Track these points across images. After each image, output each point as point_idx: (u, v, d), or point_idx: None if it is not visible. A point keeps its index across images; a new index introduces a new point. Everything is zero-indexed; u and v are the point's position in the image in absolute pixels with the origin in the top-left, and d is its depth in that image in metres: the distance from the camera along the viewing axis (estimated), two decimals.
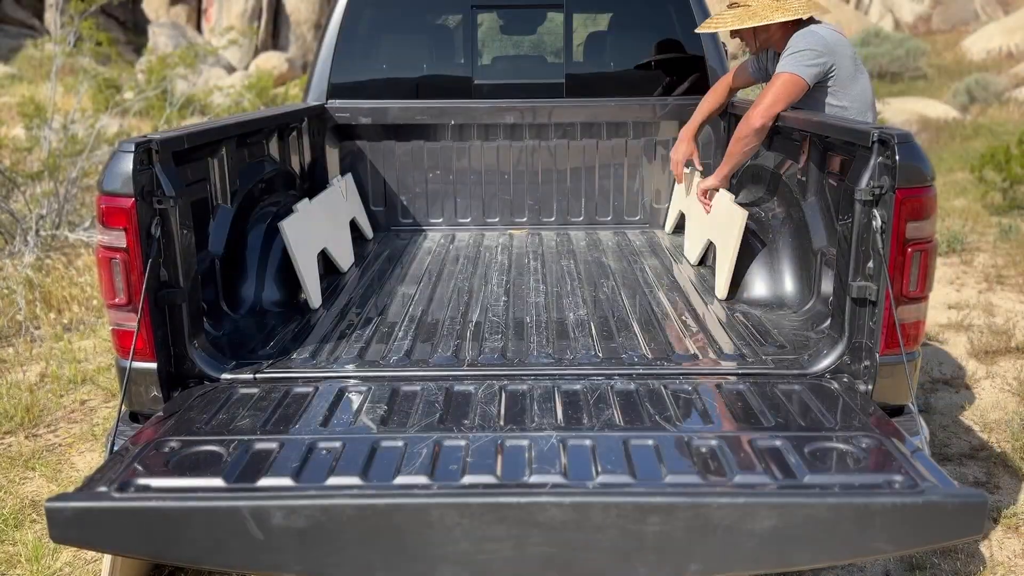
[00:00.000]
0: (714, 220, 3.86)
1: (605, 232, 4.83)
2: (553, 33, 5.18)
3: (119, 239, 2.48)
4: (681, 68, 4.79)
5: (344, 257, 4.12)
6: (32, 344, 5.37)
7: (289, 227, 3.44)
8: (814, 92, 3.54)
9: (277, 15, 23.40)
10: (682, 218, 4.57)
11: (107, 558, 2.66)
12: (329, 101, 4.71)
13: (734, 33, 3.77)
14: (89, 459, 3.95)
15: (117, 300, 2.54)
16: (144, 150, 2.49)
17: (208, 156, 3.15)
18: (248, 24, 22.18)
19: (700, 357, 2.86)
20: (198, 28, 23.37)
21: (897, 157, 2.43)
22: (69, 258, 6.94)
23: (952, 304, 5.97)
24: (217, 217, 3.23)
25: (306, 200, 3.80)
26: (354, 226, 4.53)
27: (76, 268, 6.68)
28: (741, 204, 3.74)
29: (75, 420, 4.36)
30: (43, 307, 5.95)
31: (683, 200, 4.59)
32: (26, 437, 4.15)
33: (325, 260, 3.88)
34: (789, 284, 3.39)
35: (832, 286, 2.81)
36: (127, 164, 2.45)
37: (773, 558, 1.89)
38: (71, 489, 3.57)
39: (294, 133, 4.31)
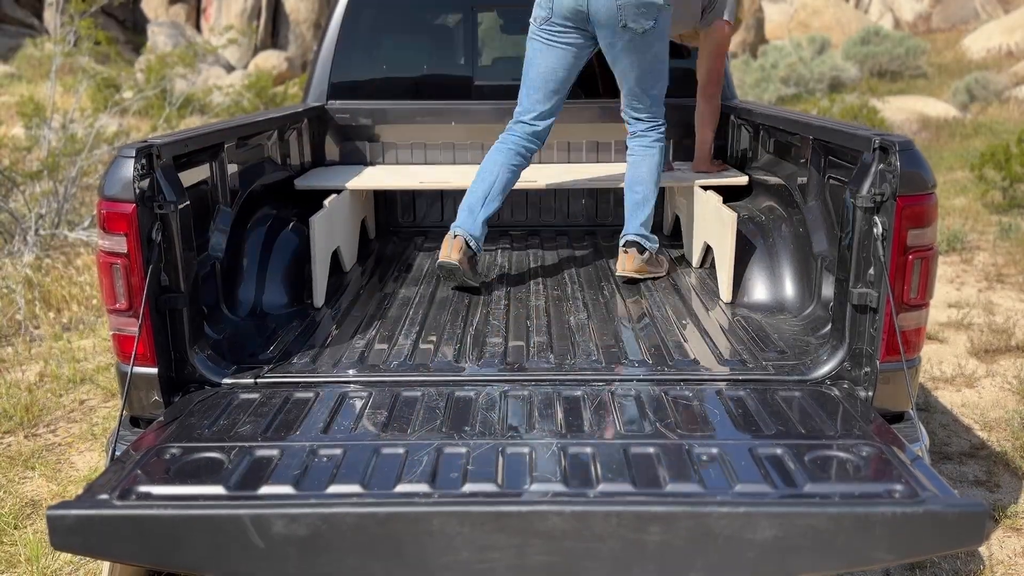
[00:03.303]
0: (707, 223, 3.87)
1: (605, 233, 4.83)
2: None
3: (120, 245, 2.48)
4: (680, 68, 4.78)
5: (349, 256, 4.14)
6: (31, 343, 5.38)
7: (317, 223, 3.47)
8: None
9: (276, 14, 23.36)
10: (677, 220, 4.57)
11: (106, 563, 2.66)
12: (329, 102, 4.71)
13: None
14: (88, 458, 3.96)
15: (118, 305, 2.54)
16: (145, 155, 2.49)
17: (209, 159, 3.15)
18: (247, 23, 22.15)
19: (700, 362, 2.86)
20: (197, 27, 23.33)
21: (898, 164, 2.43)
22: (68, 257, 6.94)
23: (952, 303, 5.98)
24: (218, 220, 3.23)
25: (334, 196, 3.86)
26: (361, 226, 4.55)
27: (75, 267, 6.69)
28: (733, 206, 3.74)
29: (74, 420, 4.37)
30: (42, 306, 5.95)
31: (676, 202, 4.59)
32: (25, 437, 4.16)
33: (332, 259, 3.89)
34: (790, 289, 3.39)
35: (833, 291, 2.81)
36: (128, 170, 2.45)
37: (773, 567, 1.89)
38: (70, 489, 3.61)
39: (294, 134, 4.31)
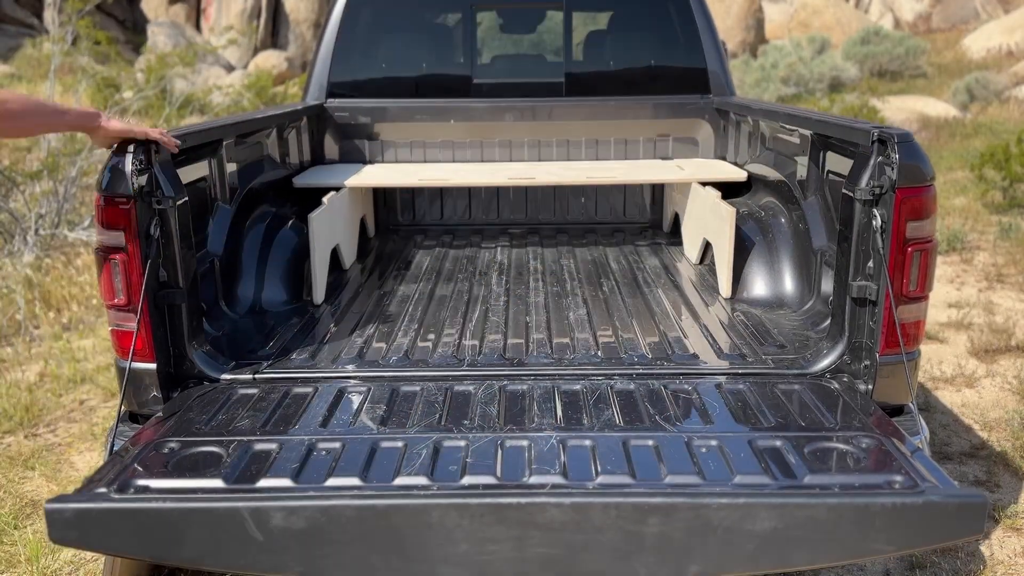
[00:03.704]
0: (706, 219, 3.87)
1: (605, 231, 4.83)
2: (553, 32, 5.18)
3: (118, 239, 2.48)
4: (680, 66, 4.79)
5: (349, 254, 4.14)
6: (31, 343, 5.37)
7: (316, 220, 3.48)
8: None
9: (276, 14, 23.36)
10: (676, 217, 4.57)
11: (106, 558, 2.66)
12: (328, 100, 4.71)
13: None
14: (88, 458, 3.95)
15: (116, 301, 2.53)
16: (143, 150, 2.49)
17: (208, 156, 3.15)
18: (247, 23, 22.14)
19: (700, 357, 2.86)
20: (197, 27, 23.34)
21: (897, 157, 2.43)
22: (68, 257, 6.94)
23: (952, 303, 5.97)
24: (217, 217, 3.23)
25: (333, 193, 3.88)
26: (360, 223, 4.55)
27: (75, 267, 6.68)
28: (732, 202, 3.74)
29: (74, 420, 4.36)
30: (42, 306, 5.95)
31: (675, 199, 4.59)
32: (25, 437, 4.15)
33: (331, 256, 3.90)
34: (789, 283, 3.39)
35: (832, 285, 2.81)
36: (126, 164, 2.45)
37: (773, 559, 1.89)
38: (70, 489, 3.60)
39: (293, 132, 4.31)
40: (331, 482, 2.01)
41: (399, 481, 2.02)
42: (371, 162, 4.80)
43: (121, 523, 1.91)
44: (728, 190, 4.08)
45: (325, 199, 3.78)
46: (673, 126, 4.78)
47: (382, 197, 4.93)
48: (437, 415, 2.40)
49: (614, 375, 2.70)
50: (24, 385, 4.70)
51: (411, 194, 4.96)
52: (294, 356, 2.90)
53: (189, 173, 2.93)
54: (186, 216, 2.64)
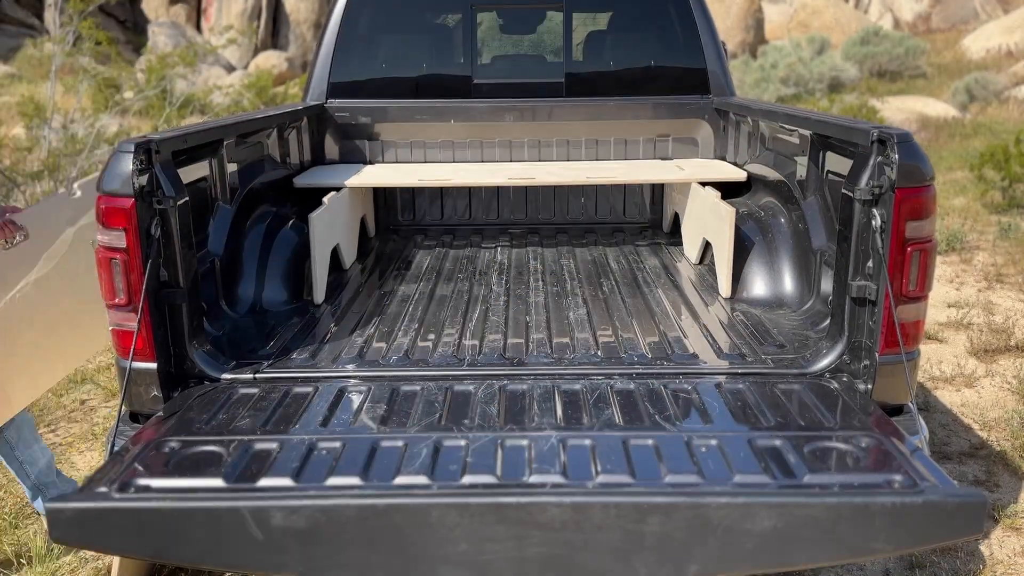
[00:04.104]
0: (706, 219, 3.88)
1: (604, 231, 4.84)
2: (553, 32, 5.18)
3: (119, 239, 2.48)
4: (680, 67, 4.79)
5: (349, 254, 4.15)
6: None
7: (317, 220, 3.50)
8: None
9: (276, 14, 23.41)
10: (676, 217, 4.58)
11: (116, 558, 2.67)
12: (329, 100, 4.72)
13: None
14: (89, 458, 3.95)
15: (117, 300, 2.54)
16: (144, 150, 2.49)
17: (208, 156, 3.16)
18: (247, 23, 22.18)
19: (699, 356, 2.87)
20: (197, 27, 23.38)
21: (896, 156, 2.43)
22: None
23: (952, 303, 5.98)
24: (217, 217, 3.24)
25: (333, 193, 3.89)
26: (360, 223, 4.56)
27: None
28: (732, 202, 3.75)
29: (75, 420, 4.37)
30: None
31: (675, 199, 4.60)
32: None
33: (331, 256, 3.90)
34: (789, 283, 3.40)
35: (832, 285, 2.82)
36: (126, 164, 2.45)
37: (772, 558, 1.89)
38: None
39: (294, 132, 4.32)
40: (331, 481, 2.02)
41: (399, 480, 2.02)
42: (371, 162, 4.81)
43: (122, 522, 1.91)
44: (728, 190, 4.09)
45: (325, 199, 3.78)
46: (673, 126, 4.79)
47: (382, 197, 4.94)
48: (437, 415, 2.40)
49: (614, 375, 2.70)
50: None
51: (411, 194, 4.96)
52: (294, 356, 2.90)
53: (190, 173, 2.94)
54: (187, 216, 2.64)
